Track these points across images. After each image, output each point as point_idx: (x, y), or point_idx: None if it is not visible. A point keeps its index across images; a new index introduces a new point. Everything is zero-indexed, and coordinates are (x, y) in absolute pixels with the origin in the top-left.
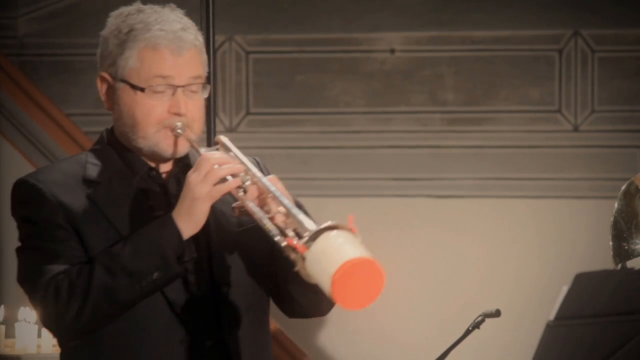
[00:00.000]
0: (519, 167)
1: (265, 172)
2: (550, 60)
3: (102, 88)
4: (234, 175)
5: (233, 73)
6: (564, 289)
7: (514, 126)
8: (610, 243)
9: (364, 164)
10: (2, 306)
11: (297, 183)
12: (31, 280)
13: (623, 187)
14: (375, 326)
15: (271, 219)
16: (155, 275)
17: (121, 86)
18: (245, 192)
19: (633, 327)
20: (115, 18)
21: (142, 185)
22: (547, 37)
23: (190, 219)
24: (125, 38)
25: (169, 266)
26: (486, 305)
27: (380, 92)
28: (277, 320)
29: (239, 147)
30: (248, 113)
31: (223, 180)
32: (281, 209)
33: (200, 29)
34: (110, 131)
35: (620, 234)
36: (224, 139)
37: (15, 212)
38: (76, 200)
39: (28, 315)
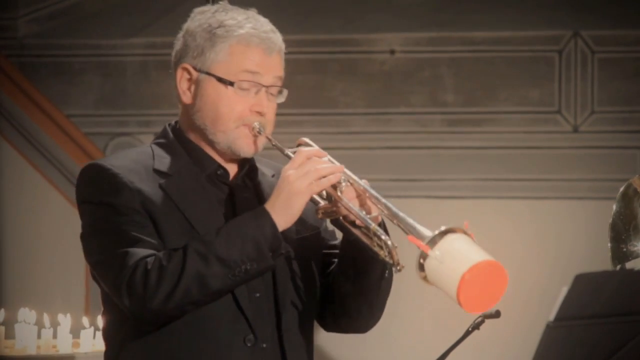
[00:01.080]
0: (518, 168)
1: None
2: (550, 61)
3: (181, 80)
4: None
5: None
6: (564, 290)
7: (513, 127)
8: (609, 245)
9: (363, 164)
10: (2, 307)
11: None
12: (114, 264)
13: (621, 189)
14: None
15: (374, 219)
16: (249, 265)
17: (206, 78)
18: (341, 192)
19: (633, 328)
20: (201, 14)
21: (210, 182)
22: (546, 38)
23: (286, 213)
24: (217, 32)
25: (263, 258)
26: None
27: (380, 93)
28: None
29: None
30: None
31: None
32: (385, 211)
33: None
34: (175, 126)
35: (618, 236)
36: (307, 140)
37: (86, 194)
38: (150, 188)
39: (28, 316)
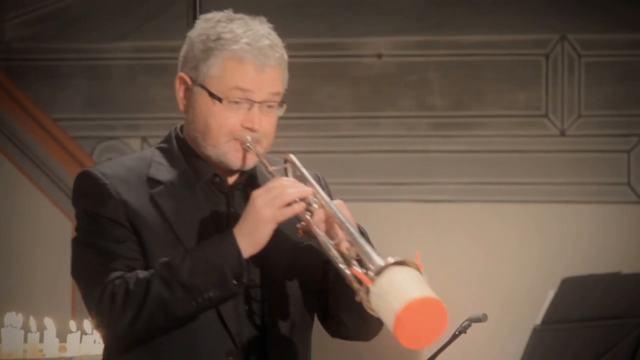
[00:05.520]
0: (505, 172)
1: (324, 187)
2: (537, 65)
3: (179, 89)
4: (301, 199)
5: None
6: (551, 294)
7: (500, 131)
8: None
9: (351, 168)
10: None
11: None
12: (88, 281)
13: None
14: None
15: (336, 245)
16: (212, 293)
17: (199, 91)
18: (312, 214)
19: (619, 332)
20: (205, 22)
21: (205, 190)
22: (533, 42)
23: (251, 240)
24: (212, 45)
25: (226, 286)
26: (472, 309)
27: (368, 97)
28: None
29: None
30: None
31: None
32: (347, 237)
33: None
34: (179, 130)
35: None
36: (293, 158)
37: (76, 202)
38: (138, 198)
39: (14, 320)
